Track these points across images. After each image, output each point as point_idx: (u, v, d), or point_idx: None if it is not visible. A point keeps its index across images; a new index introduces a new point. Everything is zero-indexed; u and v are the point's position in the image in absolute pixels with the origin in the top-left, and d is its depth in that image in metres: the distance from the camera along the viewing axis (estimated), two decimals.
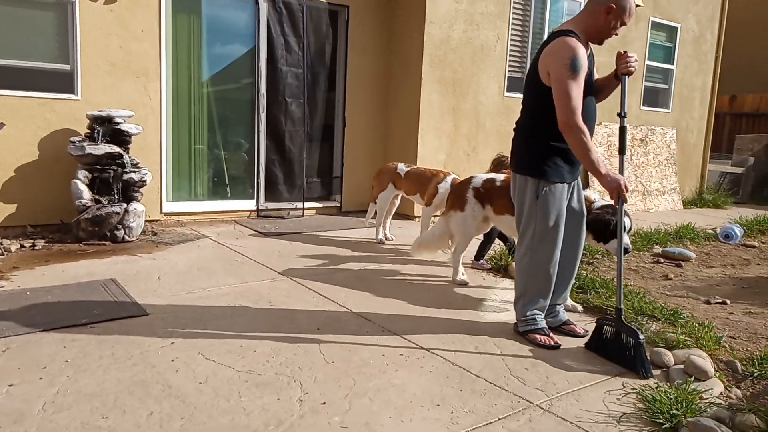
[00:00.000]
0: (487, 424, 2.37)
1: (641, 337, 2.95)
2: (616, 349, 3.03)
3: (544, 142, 3.17)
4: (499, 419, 2.41)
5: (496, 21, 7.21)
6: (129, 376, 2.62)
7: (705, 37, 9.96)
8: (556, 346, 3.20)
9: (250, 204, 6.65)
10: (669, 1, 9.17)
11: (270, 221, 6.42)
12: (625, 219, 3.52)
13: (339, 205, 7.27)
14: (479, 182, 4.28)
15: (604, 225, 3.69)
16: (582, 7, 7.96)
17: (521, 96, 3.41)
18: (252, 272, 4.42)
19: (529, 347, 3.20)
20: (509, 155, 3.50)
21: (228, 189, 6.61)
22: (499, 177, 4.28)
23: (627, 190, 3.06)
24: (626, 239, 3.50)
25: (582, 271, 4.67)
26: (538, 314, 3.32)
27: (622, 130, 3.16)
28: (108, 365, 2.73)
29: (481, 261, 4.97)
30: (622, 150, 3.18)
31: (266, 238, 5.65)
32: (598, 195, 3.97)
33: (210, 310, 3.54)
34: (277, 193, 6.77)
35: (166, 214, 6.07)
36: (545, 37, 7.72)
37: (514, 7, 7.39)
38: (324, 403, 2.46)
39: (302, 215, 6.83)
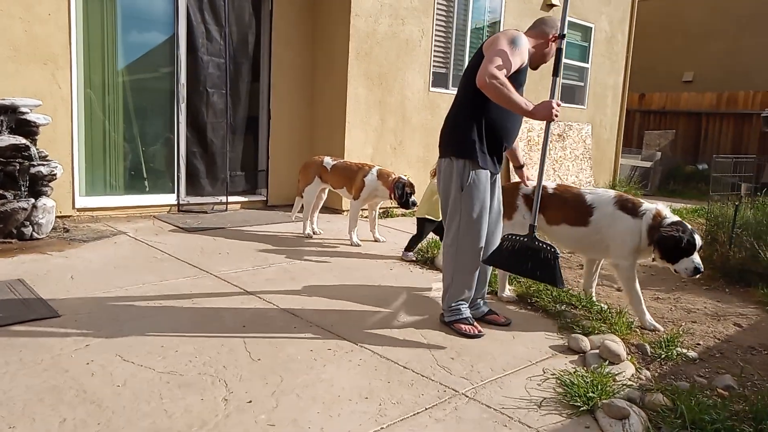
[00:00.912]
0: (414, 415, 2.40)
1: (559, 253, 3.10)
2: (534, 263, 3.11)
3: (473, 127, 3.23)
4: (426, 409, 2.45)
5: (420, 16, 7.28)
6: (39, 383, 2.47)
7: (616, 38, 10.49)
8: (480, 335, 3.30)
9: (170, 198, 6.40)
10: (583, 2, 9.58)
11: (192, 216, 6.21)
12: (696, 237, 3.41)
13: (265, 199, 7.14)
14: (530, 190, 3.85)
15: (674, 243, 3.37)
16: (502, 5, 8.20)
17: (446, 91, 3.46)
18: (173, 270, 4.27)
19: (454, 337, 3.27)
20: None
21: (146, 183, 6.34)
22: (551, 185, 3.92)
23: (558, 106, 3.13)
24: (697, 258, 3.41)
25: None
26: (462, 304, 3.39)
27: (559, 52, 3.22)
28: (15, 371, 2.55)
29: (409, 253, 5.01)
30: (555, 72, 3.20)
31: (188, 234, 5.47)
32: (669, 210, 3.60)
33: (128, 310, 3.38)
34: (200, 187, 6.55)
35: (79, 210, 5.74)
36: (468, 33, 7.94)
37: (438, 3, 7.48)
38: (250, 402, 2.41)
39: (226, 210, 6.65)
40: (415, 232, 5.04)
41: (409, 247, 5.03)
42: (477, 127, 3.24)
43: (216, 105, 6.52)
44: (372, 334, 3.24)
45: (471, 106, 3.24)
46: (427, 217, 4.92)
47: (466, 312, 3.41)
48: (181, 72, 6.27)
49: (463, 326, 3.33)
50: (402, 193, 5.10)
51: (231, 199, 6.78)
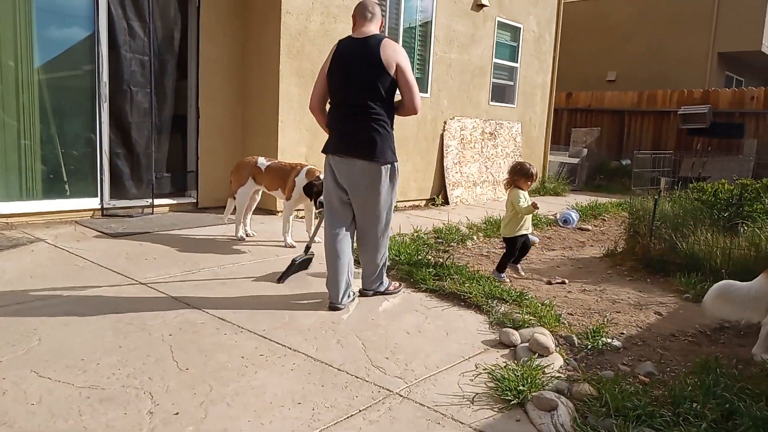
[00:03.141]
0: (348, 417, 2.38)
1: (300, 260, 4.33)
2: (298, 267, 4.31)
3: (391, 129, 3.68)
4: (360, 411, 2.43)
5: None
6: None
7: (544, 38, 10.82)
8: (401, 286, 4.14)
9: (93, 202, 6.10)
10: (512, 3, 9.82)
11: (117, 221, 5.94)
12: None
13: (195, 201, 6.92)
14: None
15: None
16: (434, 5, 8.29)
17: None
18: (96, 277, 4.06)
19: (390, 336, 3.27)
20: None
21: (67, 186, 6.01)
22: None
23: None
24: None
25: (438, 259, 4.87)
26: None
27: None
28: None
29: (502, 275, 4.65)
30: None
31: (112, 239, 5.23)
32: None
33: (46, 322, 3.19)
34: (124, 190, 6.27)
35: None
36: (401, 33, 7.98)
37: None
38: (177, 414, 2.32)
39: (153, 213, 6.40)
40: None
41: (501, 267, 4.68)
42: (391, 129, 3.71)
43: (140, 104, 6.26)
44: (306, 336, 3.20)
45: (389, 110, 3.66)
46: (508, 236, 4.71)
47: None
48: (102, 70, 5.98)
49: (391, 287, 4.05)
50: (311, 194, 4.95)
51: (158, 201, 6.53)
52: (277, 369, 2.78)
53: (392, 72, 3.52)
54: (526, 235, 4.69)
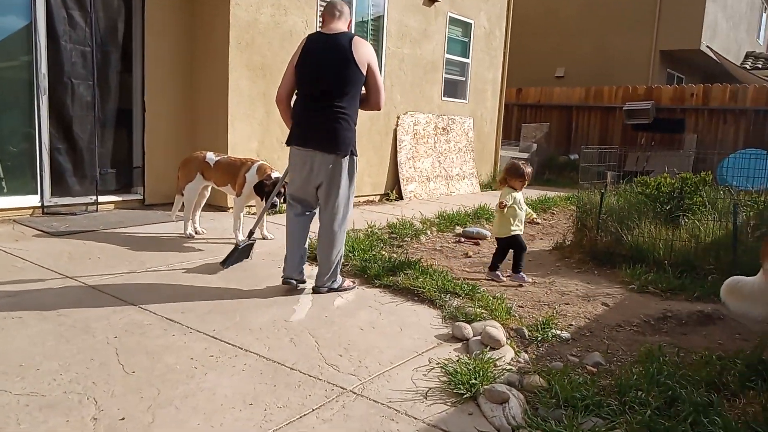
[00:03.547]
0: (301, 417, 2.35)
1: (242, 245, 4.44)
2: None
3: (354, 124, 3.75)
4: (313, 410, 2.41)
5: (304, 7, 7.16)
6: None
7: (495, 34, 10.96)
8: (354, 284, 4.10)
9: (33, 200, 5.83)
10: None
11: (59, 219, 5.71)
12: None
13: (142, 197, 6.72)
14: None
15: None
16: (386, 1, 8.27)
17: None
18: (35, 279, 3.89)
19: (342, 333, 3.25)
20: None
21: (4, 184, 5.73)
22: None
23: None
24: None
25: (392, 254, 4.88)
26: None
27: None
28: None
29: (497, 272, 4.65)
30: None
31: (54, 238, 5.01)
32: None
33: None
34: (66, 187, 6.02)
35: None
36: (353, 26, 7.91)
37: None
38: (123, 419, 2.24)
39: (97, 210, 6.17)
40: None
41: (494, 266, 4.66)
42: (355, 124, 3.80)
43: (82, 97, 6.01)
44: (259, 335, 3.15)
45: (355, 105, 3.74)
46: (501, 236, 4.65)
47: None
48: (41, 61, 5.71)
49: (345, 284, 4.02)
50: (262, 194, 4.85)
51: (103, 198, 6.30)
52: (228, 370, 2.72)
53: (364, 70, 3.65)
54: (519, 234, 4.60)
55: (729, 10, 16.93)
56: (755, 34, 21.05)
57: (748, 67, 17.64)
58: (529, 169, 4.60)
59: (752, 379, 2.72)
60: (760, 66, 17.86)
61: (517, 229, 4.58)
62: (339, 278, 4.00)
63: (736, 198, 5.58)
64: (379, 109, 3.89)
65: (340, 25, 3.77)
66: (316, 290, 3.93)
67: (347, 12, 3.83)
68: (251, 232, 4.57)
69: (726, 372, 2.79)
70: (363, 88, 3.78)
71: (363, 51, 3.65)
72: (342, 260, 4.04)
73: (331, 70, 3.63)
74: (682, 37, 14.97)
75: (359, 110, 3.83)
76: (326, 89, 3.64)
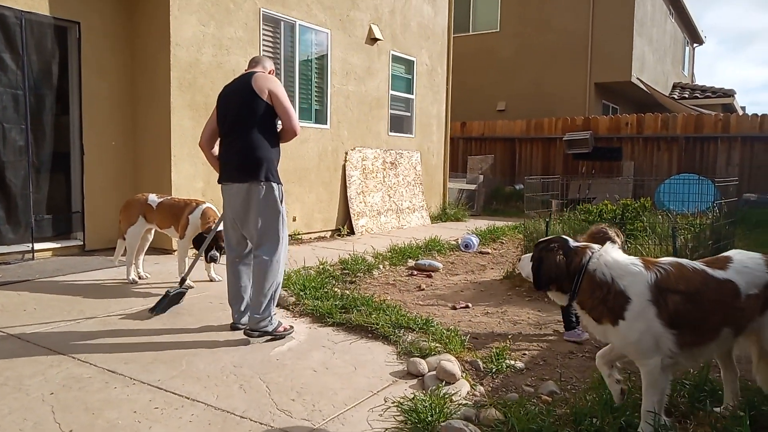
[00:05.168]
0: None
1: (172, 293, 4.28)
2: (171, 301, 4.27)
3: (269, 152, 3.74)
4: None
5: (246, 47, 7.16)
6: None
7: (437, 71, 11.23)
8: (291, 329, 3.84)
9: None
10: (405, 37, 10.14)
11: None
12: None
13: (82, 243, 6.45)
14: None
15: None
16: (328, 38, 8.38)
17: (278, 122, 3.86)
18: None
19: (295, 376, 3.15)
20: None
21: None
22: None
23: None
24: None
25: (345, 291, 4.81)
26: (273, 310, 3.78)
27: None
28: None
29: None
30: None
31: None
32: None
33: None
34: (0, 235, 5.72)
35: None
36: (297, 65, 7.98)
37: (263, 35, 7.44)
38: None
39: (33, 258, 5.88)
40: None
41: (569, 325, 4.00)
42: (274, 152, 3.80)
43: (14, 141, 5.77)
44: (206, 384, 3.01)
45: (274, 137, 3.80)
46: None
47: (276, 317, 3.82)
48: None
49: (280, 328, 3.76)
50: (199, 246, 4.56)
51: (39, 246, 6.02)
52: (174, 422, 2.59)
53: (265, 97, 3.70)
54: None
55: (655, 44, 17.94)
56: (680, 66, 22.37)
57: (676, 96, 18.65)
58: (612, 233, 3.34)
59: (701, 399, 2.78)
60: (686, 96, 18.92)
61: None
62: (274, 320, 3.74)
63: (674, 222, 5.80)
64: (296, 134, 3.82)
65: (254, 69, 3.93)
66: (247, 333, 3.67)
67: (266, 61, 4.01)
68: (183, 280, 4.49)
69: (676, 394, 2.83)
70: (280, 123, 3.85)
71: (261, 80, 3.74)
72: (277, 296, 3.79)
73: (235, 106, 3.78)
74: (613, 70, 15.73)
75: (285, 140, 3.87)
76: (233, 122, 3.77)
